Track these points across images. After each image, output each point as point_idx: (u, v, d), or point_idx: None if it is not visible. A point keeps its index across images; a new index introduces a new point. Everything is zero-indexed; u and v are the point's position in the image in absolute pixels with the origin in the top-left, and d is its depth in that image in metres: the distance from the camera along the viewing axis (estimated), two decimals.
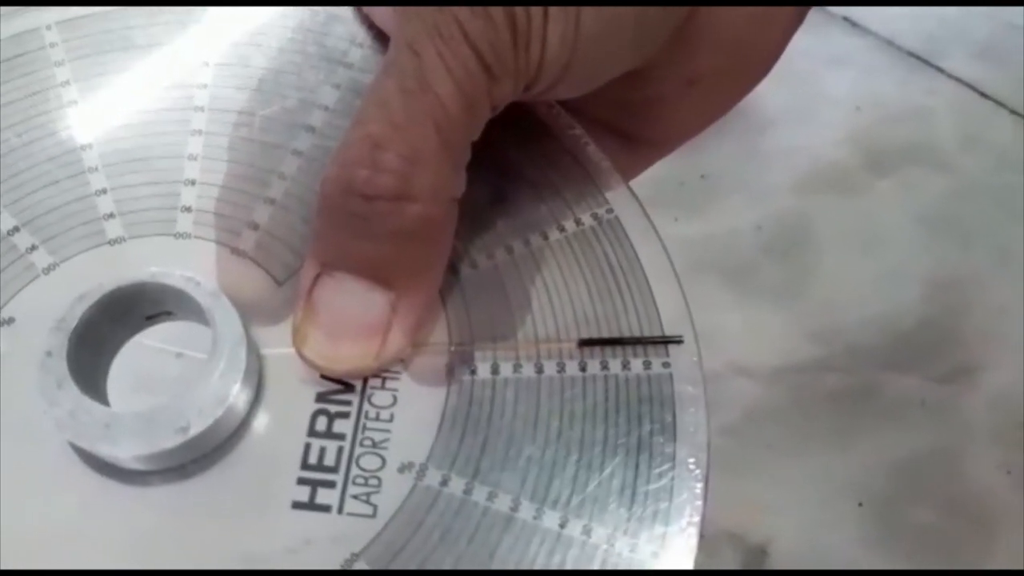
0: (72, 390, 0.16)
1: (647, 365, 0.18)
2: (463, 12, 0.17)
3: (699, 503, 0.17)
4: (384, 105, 0.17)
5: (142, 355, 0.18)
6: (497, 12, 0.17)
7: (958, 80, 0.46)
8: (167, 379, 0.18)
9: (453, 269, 0.19)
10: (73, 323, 0.17)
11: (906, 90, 0.45)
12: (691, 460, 0.18)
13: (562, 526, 0.17)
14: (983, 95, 0.46)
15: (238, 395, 0.17)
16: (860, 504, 0.40)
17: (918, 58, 0.45)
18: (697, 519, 0.17)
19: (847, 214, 0.44)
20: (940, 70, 0.46)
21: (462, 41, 0.17)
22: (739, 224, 0.42)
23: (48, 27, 0.22)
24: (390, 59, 0.17)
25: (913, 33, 0.45)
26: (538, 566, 0.16)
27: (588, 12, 0.18)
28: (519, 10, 0.17)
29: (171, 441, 0.16)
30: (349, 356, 0.17)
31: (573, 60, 0.18)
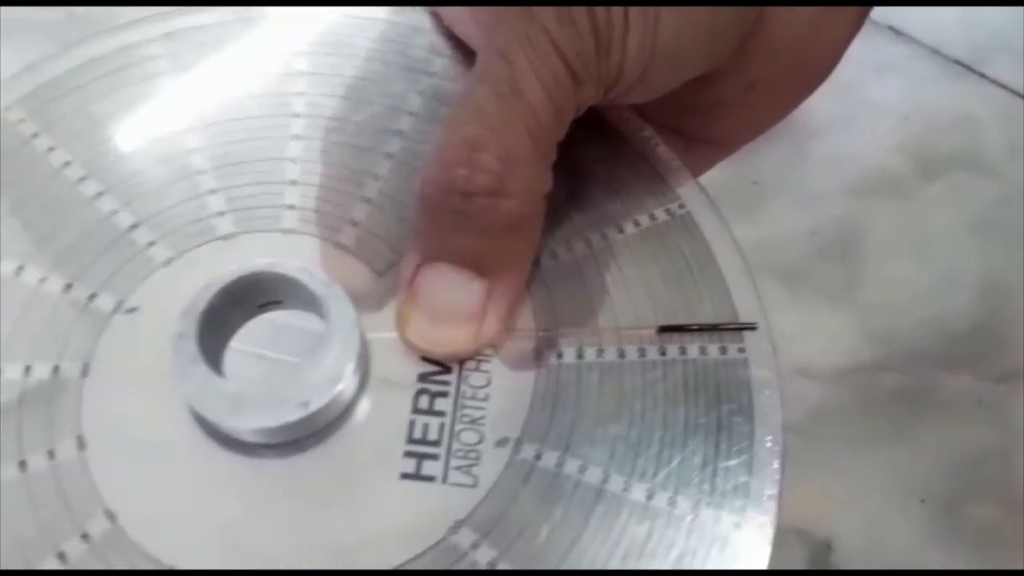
0: (201, 368, 0.18)
1: (723, 350, 0.20)
2: (551, 21, 0.18)
3: (777, 478, 0.18)
4: (479, 110, 0.18)
5: (257, 337, 0.19)
6: (582, 20, 0.18)
7: (1004, 87, 0.47)
8: (279, 363, 0.19)
9: (536, 261, 0.21)
10: (201, 308, 0.18)
11: (953, 98, 0.46)
12: (768, 439, 0.19)
13: (649, 498, 0.18)
14: None
15: (352, 375, 0.18)
16: (922, 501, 0.41)
17: (964, 66, 0.46)
18: (775, 492, 0.18)
19: (898, 219, 0.45)
20: (985, 77, 0.47)
21: (551, 50, 0.18)
22: (793, 228, 0.43)
23: (152, 40, 0.23)
24: (482, 67, 0.19)
25: (958, 41, 0.46)
26: (628, 535, 0.18)
27: (665, 20, 0.19)
28: (601, 18, 0.18)
29: (293, 415, 0.17)
30: (449, 340, 0.19)
31: (650, 65, 0.20)
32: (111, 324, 0.20)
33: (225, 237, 0.21)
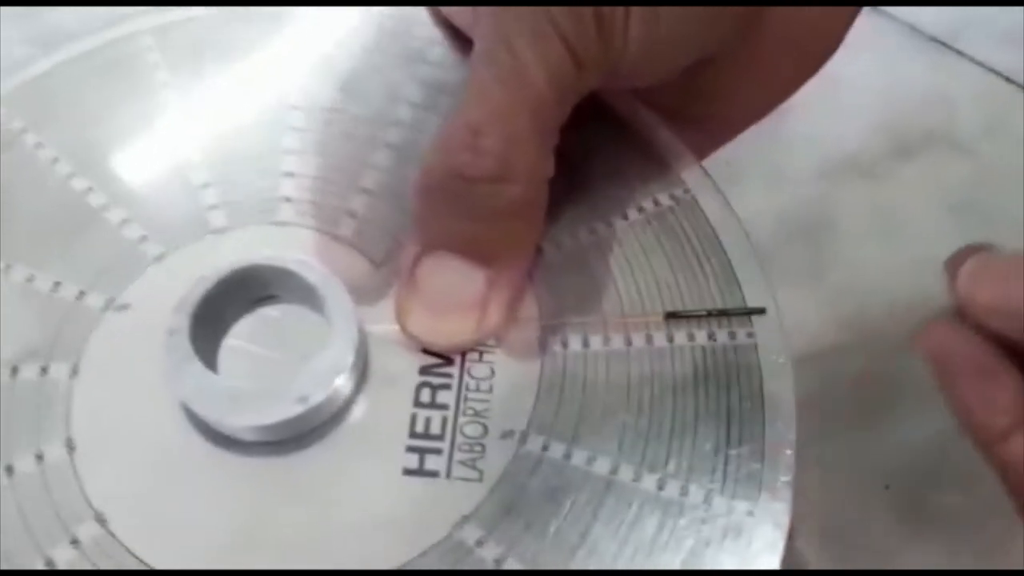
0: (195, 365, 0.17)
1: (732, 336, 0.19)
2: (556, 11, 0.18)
3: (790, 464, 0.18)
4: (483, 95, 0.18)
5: (252, 334, 0.19)
6: (586, 10, 0.18)
7: (981, 65, 0.46)
8: (275, 358, 0.19)
9: (539, 249, 0.20)
10: (194, 303, 0.18)
11: (929, 76, 0.45)
12: (779, 424, 0.18)
13: (660, 488, 0.17)
14: (1007, 80, 0.46)
15: (351, 368, 0.17)
16: (887, 487, 0.40)
17: (940, 43, 0.45)
18: (789, 479, 0.18)
19: (870, 200, 0.44)
20: (962, 54, 0.46)
21: (553, 35, 0.18)
22: (763, 210, 0.42)
23: (144, 33, 0.23)
24: (484, 53, 0.18)
25: (935, 18, 0.46)
26: (639, 526, 0.17)
27: (667, 5, 0.19)
28: (605, 8, 0.18)
29: (291, 411, 0.17)
30: (451, 330, 0.18)
31: (652, 50, 0.19)
32: (102, 322, 0.19)
33: (219, 231, 0.20)
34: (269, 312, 0.19)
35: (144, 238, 0.20)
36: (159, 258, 0.20)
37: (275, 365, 0.18)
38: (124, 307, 0.19)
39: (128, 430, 0.18)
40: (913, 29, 0.46)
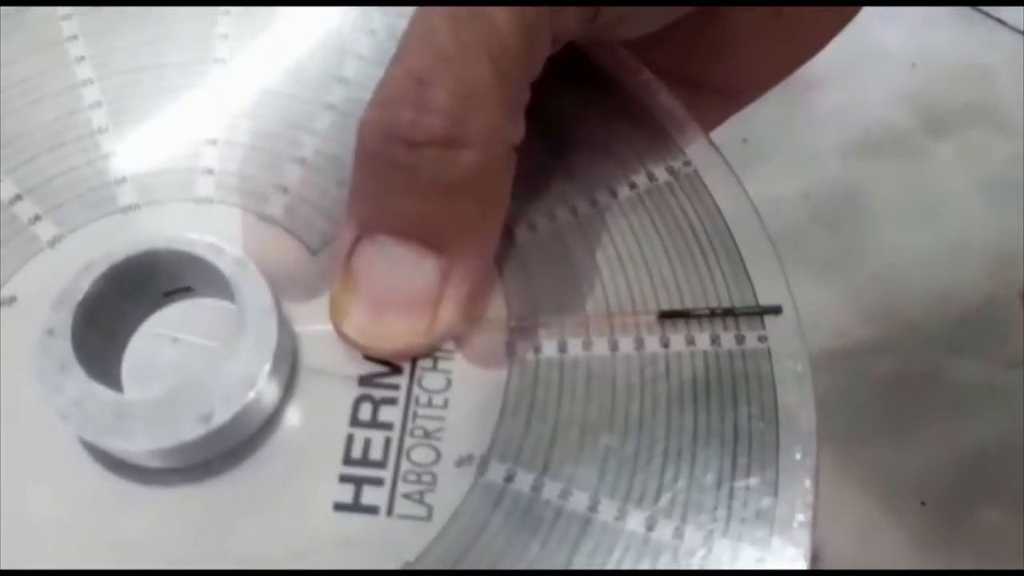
0: (78, 374, 0.14)
1: (740, 339, 0.16)
2: None
3: (810, 499, 0.15)
4: (430, 35, 0.14)
5: (155, 341, 0.16)
6: None
7: (1021, 33, 0.42)
8: (186, 366, 0.16)
9: (508, 233, 0.17)
10: (79, 297, 0.14)
11: (965, 45, 0.42)
12: (797, 448, 0.15)
13: (650, 528, 0.14)
14: None
15: (268, 378, 0.14)
16: (923, 503, 0.37)
17: (977, 9, 0.41)
18: (808, 518, 0.15)
19: (903, 181, 0.41)
20: (1001, 22, 0.42)
21: None
22: (784, 192, 0.39)
23: None
24: None
25: None
26: None
27: None
28: None
29: (192, 432, 0.14)
30: (395, 333, 0.15)
31: None
32: None
33: (126, 209, 0.17)
34: (182, 309, 0.16)
35: (37, 217, 0.17)
36: (54, 242, 0.17)
37: (185, 375, 0.15)
38: (9, 300, 0.16)
39: (9, 452, 0.15)
40: None
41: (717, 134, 0.22)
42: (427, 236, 0.15)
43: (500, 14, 0.14)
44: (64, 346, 0.14)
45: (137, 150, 0.17)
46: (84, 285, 0.14)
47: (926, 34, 0.42)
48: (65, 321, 0.14)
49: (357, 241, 0.15)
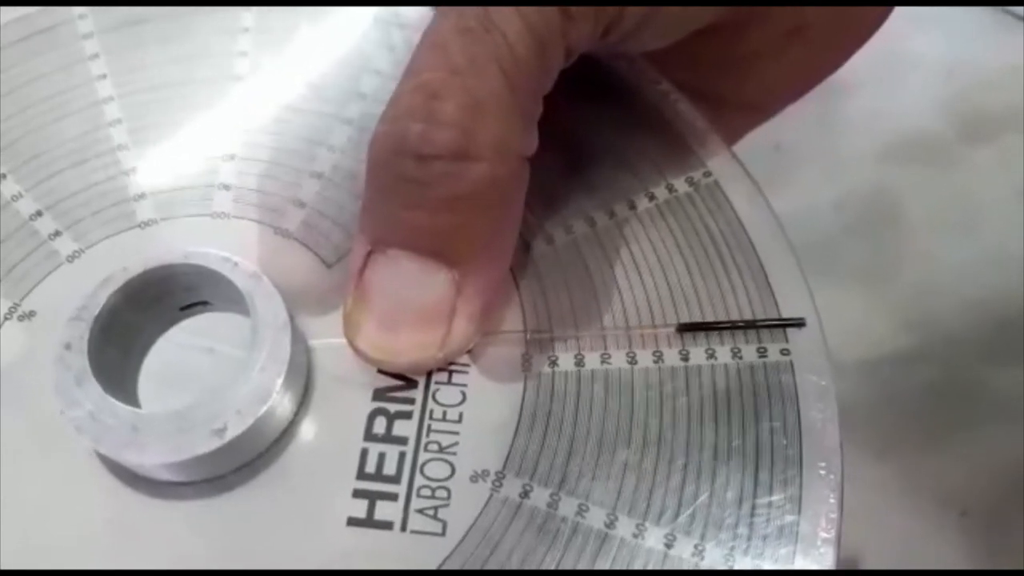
0: (94, 388, 0.14)
1: (762, 352, 0.16)
2: None
3: (834, 516, 0.14)
4: (441, 48, 0.14)
5: (173, 353, 0.16)
6: None
7: None
8: (201, 379, 0.15)
9: (526, 246, 0.17)
10: (95, 312, 0.14)
11: (1002, 51, 0.41)
12: (821, 464, 0.15)
13: (668, 546, 0.14)
14: None
15: (282, 392, 0.14)
16: (963, 514, 0.36)
17: (1014, 15, 0.40)
18: (833, 536, 0.14)
19: (939, 188, 0.40)
20: None
21: None
22: (818, 200, 0.38)
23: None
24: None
25: None
26: None
27: None
28: None
29: (206, 446, 0.14)
30: (409, 347, 0.15)
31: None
32: (2, 332, 0.16)
33: (144, 225, 0.17)
34: (199, 323, 0.16)
35: (56, 233, 0.17)
36: (73, 257, 0.17)
37: (201, 389, 0.15)
38: (29, 315, 0.16)
39: (26, 464, 0.15)
40: None
41: (748, 140, 0.21)
42: (439, 249, 0.14)
43: (511, 26, 0.14)
44: (81, 360, 0.14)
45: (156, 166, 0.18)
46: (101, 300, 0.15)
47: (961, 40, 0.42)
48: (82, 336, 0.14)
49: (369, 255, 0.15)
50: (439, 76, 0.14)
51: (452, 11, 0.14)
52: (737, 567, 0.14)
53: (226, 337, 0.16)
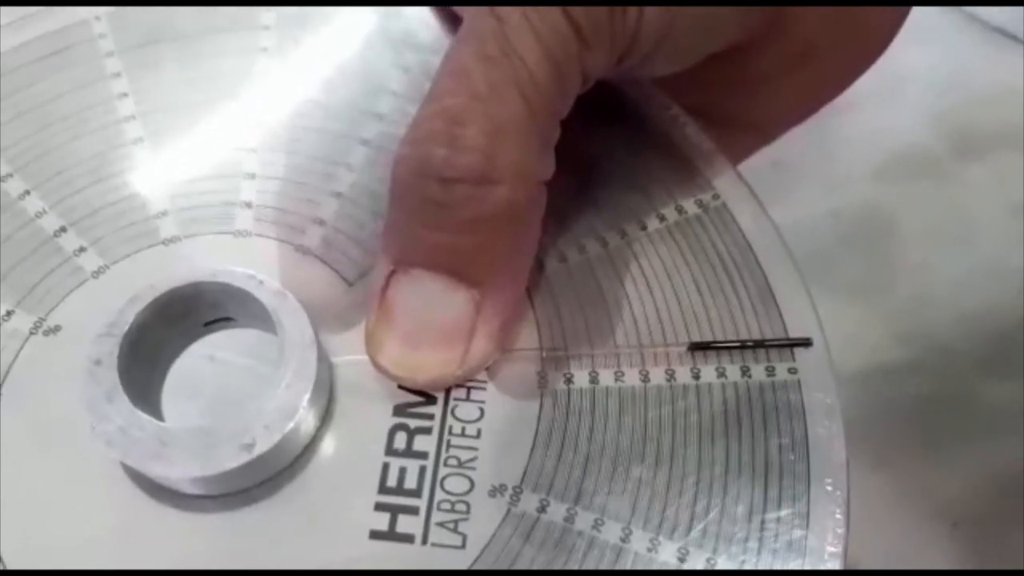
0: (123, 403, 0.14)
1: (770, 371, 0.16)
2: None
3: (841, 531, 0.15)
4: (462, 75, 0.15)
5: (197, 367, 0.16)
6: None
7: None
8: (226, 394, 0.16)
9: (540, 265, 0.17)
10: (124, 328, 0.15)
11: (994, 69, 0.42)
12: (828, 480, 0.15)
13: (681, 559, 0.14)
14: None
15: (308, 408, 0.14)
16: (954, 525, 0.36)
17: (1006, 34, 0.41)
18: (839, 549, 0.15)
19: (935, 203, 0.41)
20: None
21: (554, 4, 0.15)
22: (815, 214, 0.38)
23: (97, 17, 0.20)
24: (468, 26, 0.15)
25: (999, 8, 0.42)
26: None
27: None
28: None
29: (234, 460, 0.14)
30: (429, 364, 0.15)
31: (673, 27, 0.16)
32: (27, 347, 0.16)
33: (167, 241, 0.17)
34: (222, 339, 0.16)
35: (81, 249, 0.17)
36: (98, 273, 0.17)
37: (226, 404, 0.16)
38: (54, 330, 0.16)
39: (52, 477, 0.15)
40: (975, 19, 0.42)
41: (747, 159, 0.22)
42: (460, 269, 0.15)
43: (531, 54, 0.14)
44: (111, 376, 0.14)
45: (178, 183, 0.18)
46: (129, 317, 0.15)
47: (955, 58, 0.42)
48: (112, 352, 0.15)
49: (392, 274, 0.15)
50: (461, 102, 0.14)
51: (472, 38, 0.15)
52: None
53: (248, 351, 0.16)
